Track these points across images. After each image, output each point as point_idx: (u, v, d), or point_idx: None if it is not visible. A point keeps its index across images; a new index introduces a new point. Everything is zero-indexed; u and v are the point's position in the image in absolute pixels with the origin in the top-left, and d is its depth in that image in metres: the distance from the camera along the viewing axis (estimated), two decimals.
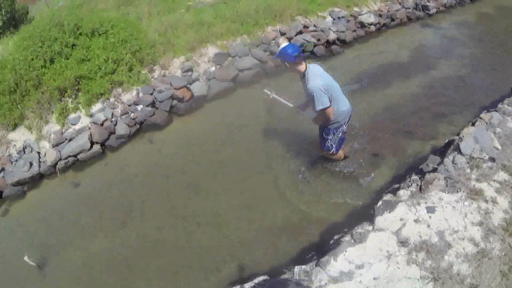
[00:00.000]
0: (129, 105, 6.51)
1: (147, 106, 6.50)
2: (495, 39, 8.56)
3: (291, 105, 4.47)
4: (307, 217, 4.42)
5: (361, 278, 2.25)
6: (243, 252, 4.20)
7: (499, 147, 3.34)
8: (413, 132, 5.62)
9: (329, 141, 4.42)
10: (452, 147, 3.61)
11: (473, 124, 3.92)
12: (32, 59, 7.23)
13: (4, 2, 10.11)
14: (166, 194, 5.26)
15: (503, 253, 2.36)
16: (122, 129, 6.24)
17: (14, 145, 6.59)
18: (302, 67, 3.99)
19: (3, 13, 10.05)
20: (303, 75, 4.03)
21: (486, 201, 2.77)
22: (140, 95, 6.65)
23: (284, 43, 4.12)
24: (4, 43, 9.38)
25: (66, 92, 6.79)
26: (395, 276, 2.22)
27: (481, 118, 3.95)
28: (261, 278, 2.76)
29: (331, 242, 3.04)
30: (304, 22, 8.15)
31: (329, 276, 2.28)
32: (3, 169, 6.23)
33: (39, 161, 6.23)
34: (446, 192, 2.87)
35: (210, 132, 6.24)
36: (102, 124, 6.31)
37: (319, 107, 3.90)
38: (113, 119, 6.39)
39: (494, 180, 2.95)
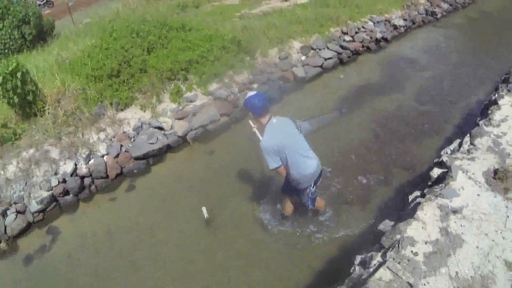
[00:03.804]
0: (244, 84, 7.35)
1: (261, 84, 7.38)
2: (480, 36, 11.16)
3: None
4: None
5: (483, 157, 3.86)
6: None
7: None
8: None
9: (302, 199, 4.13)
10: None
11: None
12: (128, 49, 7.85)
13: (32, 16, 10.45)
14: None
15: None
16: None
17: (128, 123, 6.96)
18: (264, 120, 3.63)
19: (32, 27, 10.38)
20: (263, 128, 3.67)
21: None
22: (250, 77, 7.57)
23: (250, 92, 3.81)
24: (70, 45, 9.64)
25: (176, 74, 7.46)
26: None
27: None
28: None
29: None
30: (355, 25, 9.81)
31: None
32: (121, 146, 6.43)
33: (164, 134, 6.63)
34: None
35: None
36: (226, 99, 7.03)
37: (270, 166, 3.63)
38: (232, 95, 7.24)
39: None
